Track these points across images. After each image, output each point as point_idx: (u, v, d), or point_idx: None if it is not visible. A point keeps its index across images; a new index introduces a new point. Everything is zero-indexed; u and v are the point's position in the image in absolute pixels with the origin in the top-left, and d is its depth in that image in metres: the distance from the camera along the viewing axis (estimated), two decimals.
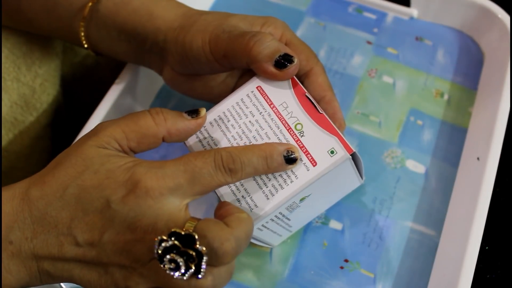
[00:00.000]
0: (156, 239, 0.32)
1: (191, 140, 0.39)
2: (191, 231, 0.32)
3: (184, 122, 0.36)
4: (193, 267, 0.32)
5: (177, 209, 0.33)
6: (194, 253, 0.31)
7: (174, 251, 0.31)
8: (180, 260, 0.31)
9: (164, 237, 0.32)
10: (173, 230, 0.32)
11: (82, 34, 0.45)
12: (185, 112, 0.37)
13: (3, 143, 0.49)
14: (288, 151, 0.37)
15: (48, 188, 0.33)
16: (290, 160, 0.37)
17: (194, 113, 0.37)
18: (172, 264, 0.32)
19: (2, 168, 0.50)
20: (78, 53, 0.56)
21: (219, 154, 0.34)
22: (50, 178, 0.34)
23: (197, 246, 0.31)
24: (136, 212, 0.32)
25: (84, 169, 0.33)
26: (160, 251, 0.31)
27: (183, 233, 0.32)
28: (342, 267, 0.44)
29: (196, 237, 0.31)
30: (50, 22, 0.46)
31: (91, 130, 0.36)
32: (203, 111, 0.37)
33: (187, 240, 0.32)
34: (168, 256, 0.31)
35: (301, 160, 0.37)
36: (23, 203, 0.33)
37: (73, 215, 0.33)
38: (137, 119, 0.35)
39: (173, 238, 0.32)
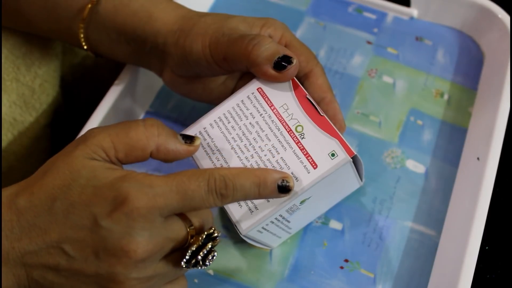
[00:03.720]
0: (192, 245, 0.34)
1: None
2: (203, 236, 0.35)
3: (176, 145, 0.35)
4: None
5: (171, 222, 0.34)
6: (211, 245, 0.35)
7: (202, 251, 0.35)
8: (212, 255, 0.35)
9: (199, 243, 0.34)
10: (204, 235, 0.35)
11: (82, 35, 0.45)
12: (180, 135, 0.36)
13: (2, 143, 0.49)
14: (283, 180, 0.35)
15: (36, 199, 0.33)
16: (284, 188, 0.35)
17: (189, 139, 0.36)
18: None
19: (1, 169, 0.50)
20: (77, 54, 0.56)
21: (213, 177, 0.33)
22: (38, 189, 0.33)
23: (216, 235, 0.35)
24: (127, 230, 0.32)
25: (71, 182, 0.33)
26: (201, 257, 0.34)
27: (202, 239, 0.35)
28: (342, 267, 0.44)
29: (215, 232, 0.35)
30: (49, 23, 0.46)
31: (81, 136, 0.35)
32: (198, 140, 0.37)
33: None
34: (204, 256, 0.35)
35: (303, 163, 0.37)
36: (10, 212, 0.33)
37: (62, 230, 0.32)
38: (128, 129, 0.34)
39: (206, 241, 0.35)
